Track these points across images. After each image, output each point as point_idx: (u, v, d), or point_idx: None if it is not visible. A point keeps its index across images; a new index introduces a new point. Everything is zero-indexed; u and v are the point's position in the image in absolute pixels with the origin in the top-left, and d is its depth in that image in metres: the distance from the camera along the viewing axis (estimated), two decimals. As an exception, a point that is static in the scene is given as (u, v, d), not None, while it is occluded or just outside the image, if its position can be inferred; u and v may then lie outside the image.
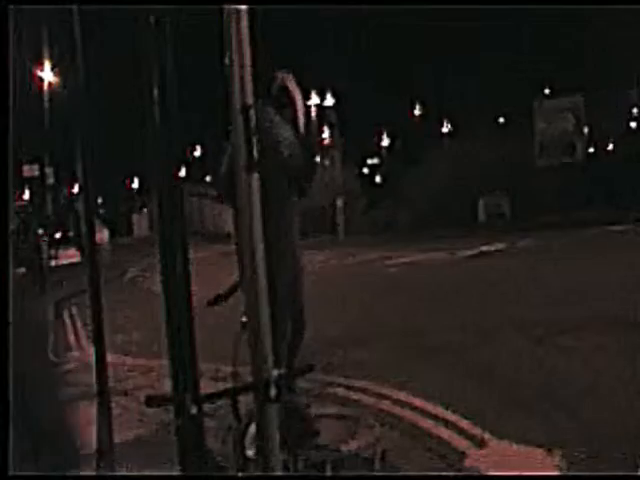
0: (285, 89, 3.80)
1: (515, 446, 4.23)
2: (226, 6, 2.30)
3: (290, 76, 3.84)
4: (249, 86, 2.35)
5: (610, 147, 32.28)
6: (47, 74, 21.97)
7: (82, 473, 3.35)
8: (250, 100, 2.36)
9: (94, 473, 3.43)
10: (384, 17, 33.70)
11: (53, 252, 16.73)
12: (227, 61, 2.33)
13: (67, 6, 5.92)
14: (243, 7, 2.31)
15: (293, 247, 3.68)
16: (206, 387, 2.28)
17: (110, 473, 3.63)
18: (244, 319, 2.56)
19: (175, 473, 2.21)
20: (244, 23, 2.33)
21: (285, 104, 3.71)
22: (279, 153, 3.60)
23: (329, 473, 3.37)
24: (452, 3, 31.24)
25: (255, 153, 2.38)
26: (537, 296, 9.46)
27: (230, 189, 3.35)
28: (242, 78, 2.34)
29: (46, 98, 21.89)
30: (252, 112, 2.35)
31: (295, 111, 3.76)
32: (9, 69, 3.07)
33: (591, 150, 27.50)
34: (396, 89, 40.64)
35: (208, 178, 49.21)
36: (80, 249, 20.74)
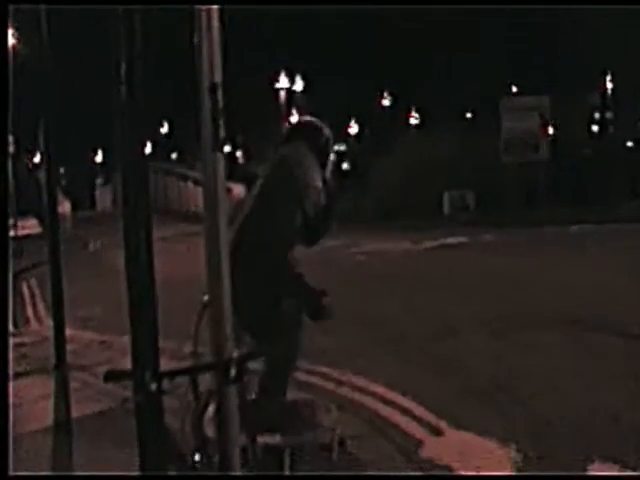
0: (328, 143, 3.94)
1: (471, 436, 4.28)
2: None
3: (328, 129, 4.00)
4: (218, 64, 2.33)
5: (573, 147, 32.77)
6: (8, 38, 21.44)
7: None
8: (218, 78, 2.33)
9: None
10: (358, 5, 33.59)
11: (12, 221, 16.40)
12: (196, 40, 2.30)
13: (66, 6, 5.80)
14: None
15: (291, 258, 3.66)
16: (166, 365, 2.25)
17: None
18: (206, 298, 2.54)
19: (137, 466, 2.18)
20: (214, 6, 2.31)
21: (324, 156, 3.80)
22: (306, 192, 3.67)
23: (287, 458, 3.37)
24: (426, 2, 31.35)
25: (221, 132, 2.36)
26: (497, 290, 9.56)
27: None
28: (211, 57, 2.32)
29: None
30: (220, 92, 2.33)
31: (327, 162, 3.87)
32: (9, 69, 2.99)
33: (555, 149, 27.82)
34: (366, 78, 40.61)
35: (174, 155, 48.74)
36: (40, 220, 20.41)
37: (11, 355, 6.63)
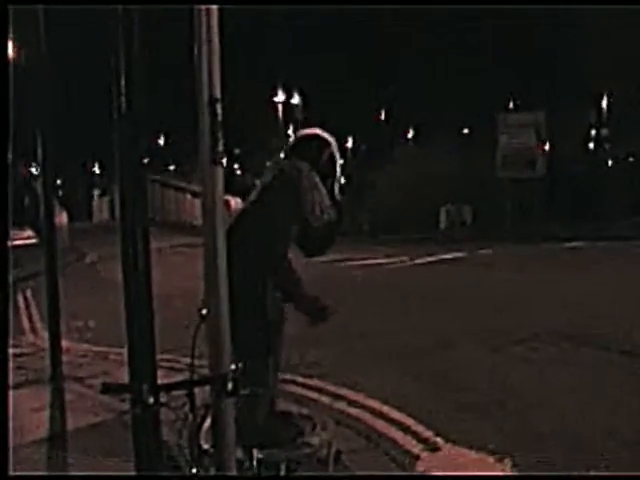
0: (332, 158, 3.77)
1: (467, 451, 4.27)
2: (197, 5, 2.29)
3: (334, 141, 3.84)
4: (217, 79, 2.34)
5: (569, 164, 32.90)
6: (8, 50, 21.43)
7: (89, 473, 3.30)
8: (217, 93, 2.34)
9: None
10: (353, 20, 33.77)
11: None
12: (195, 53, 2.31)
13: (66, 6, 5.83)
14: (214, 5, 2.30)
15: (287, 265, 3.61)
16: (162, 378, 2.25)
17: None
18: (203, 311, 2.53)
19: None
20: (214, 18, 2.32)
21: (328, 170, 3.70)
22: (309, 211, 3.55)
23: (283, 472, 3.36)
24: (424, 10, 31.53)
25: (220, 146, 2.37)
26: (494, 305, 9.57)
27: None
28: (210, 71, 2.33)
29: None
30: (219, 105, 2.34)
31: (334, 179, 3.76)
32: (9, 68, 3.00)
33: (551, 165, 27.92)
34: (362, 92, 40.76)
35: (171, 167, 48.75)
36: (37, 231, 20.36)
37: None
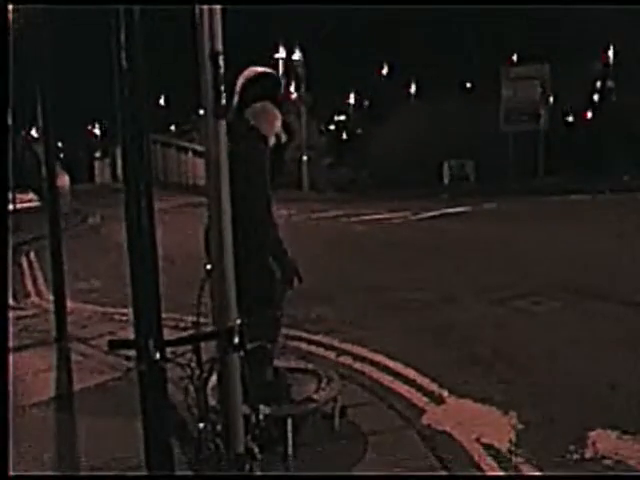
0: (279, 85, 3.96)
1: (472, 404, 4.30)
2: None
3: (276, 74, 4.05)
4: (218, 32, 2.30)
5: (574, 116, 32.62)
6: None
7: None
8: (219, 46, 2.31)
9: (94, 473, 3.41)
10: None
11: (10, 195, 16.34)
12: (197, 7, 2.28)
13: (66, 6, 5.72)
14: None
15: (270, 210, 3.69)
16: (167, 336, 2.26)
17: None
18: (208, 267, 2.52)
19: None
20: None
21: (276, 99, 3.82)
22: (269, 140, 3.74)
23: (289, 427, 3.39)
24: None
25: (222, 99, 2.34)
26: (497, 259, 9.59)
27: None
28: (211, 24, 2.29)
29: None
30: (221, 58, 2.30)
31: (279, 101, 3.90)
32: (9, 68, 2.94)
33: (556, 119, 27.70)
34: (364, 48, 40.31)
35: (172, 127, 48.51)
36: (39, 194, 20.35)
37: (12, 328, 6.66)
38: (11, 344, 5.90)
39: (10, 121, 18.59)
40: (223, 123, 2.36)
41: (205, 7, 2.29)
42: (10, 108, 18.65)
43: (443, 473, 3.40)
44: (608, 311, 6.45)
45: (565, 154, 26.90)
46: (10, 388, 3.01)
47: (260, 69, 3.88)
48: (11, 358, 5.45)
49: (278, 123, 3.79)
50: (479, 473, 3.47)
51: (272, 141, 3.77)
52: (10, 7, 21.37)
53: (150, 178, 2.24)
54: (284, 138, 3.90)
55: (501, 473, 3.46)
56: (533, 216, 15.81)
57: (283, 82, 4.11)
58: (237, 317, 2.42)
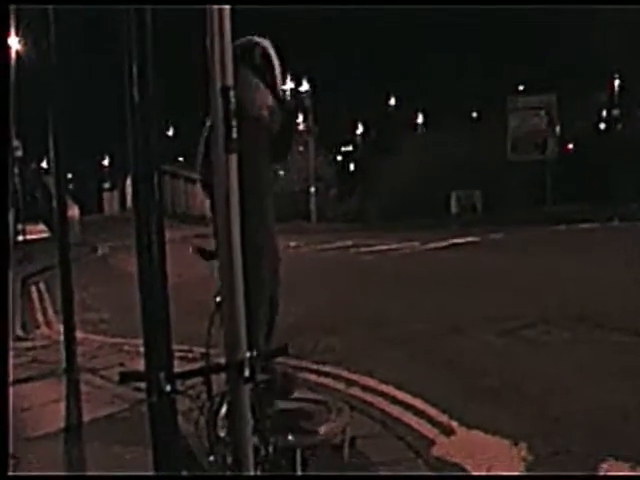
0: (267, 56, 3.83)
1: (482, 435, 4.27)
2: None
3: (269, 43, 3.89)
4: (229, 67, 2.33)
5: (580, 146, 32.70)
6: (14, 41, 21.31)
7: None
8: (230, 81, 2.34)
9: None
10: (364, 8, 33.68)
11: (20, 227, 16.44)
12: (207, 42, 2.31)
13: (67, 6, 5.84)
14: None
15: (271, 221, 3.66)
16: (176, 367, 2.27)
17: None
18: (218, 299, 2.54)
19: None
20: (226, 7, 2.32)
21: (266, 70, 3.73)
22: (260, 116, 3.61)
23: (299, 458, 3.38)
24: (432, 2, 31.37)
25: (234, 134, 2.36)
26: (505, 288, 9.55)
27: (207, 172, 3.32)
28: (222, 59, 2.32)
29: (13, 67, 21.35)
30: (232, 93, 2.33)
31: (274, 77, 3.79)
32: (9, 68, 2.99)
33: (562, 148, 27.77)
34: (371, 79, 40.70)
35: (181, 158, 48.84)
36: (49, 225, 20.45)
37: (21, 359, 6.67)
38: (21, 375, 5.93)
39: (21, 152, 18.82)
40: (234, 157, 2.38)
41: (217, 41, 2.32)
42: (20, 139, 18.90)
43: (443, 473, 3.35)
44: (618, 341, 6.41)
45: (572, 183, 26.90)
46: (12, 395, 2.99)
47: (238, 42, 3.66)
48: (20, 389, 5.49)
49: (261, 95, 3.61)
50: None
51: (265, 115, 3.58)
52: (18, 44, 21.55)
53: (161, 210, 2.27)
54: (276, 116, 3.70)
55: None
56: (541, 245, 15.77)
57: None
58: (247, 350, 2.42)
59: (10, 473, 2.60)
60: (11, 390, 5.34)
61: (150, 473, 2.20)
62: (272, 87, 3.79)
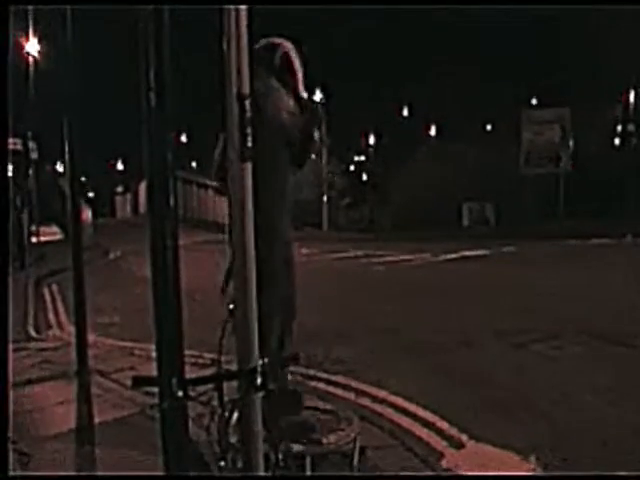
0: (287, 57, 3.73)
1: (492, 449, 4.25)
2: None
3: (291, 45, 3.78)
4: (246, 74, 2.34)
5: (594, 160, 32.58)
6: (32, 47, 21.49)
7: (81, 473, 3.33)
8: (246, 89, 2.34)
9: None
10: (375, 17, 33.78)
11: (34, 228, 16.54)
12: (224, 49, 2.31)
13: (66, 6, 5.87)
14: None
15: (286, 223, 3.61)
16: (186, 373, 2.27)
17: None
18: (231, 306, 2.54)
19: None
20: (243, 13, 2.32)
21: (286, 73, 3.65)
22: (280, 120, 3.53)
23: (309, 466, 3.37)
24: (445, 7, 31.44)
25: (249, 142, 2.37)
26: (517, 302, 9.52)
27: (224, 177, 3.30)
28: (239, 66, 2.33)
29: (31, 71, 21.53)
30: (248, 101, 2.34)
31: (296, 80, 3.71)
32: (8, 68, 3.02)
33: (576, 162, 27.66)
34: (384, 89, 40.75)
35: (194, 164, 49.04)
36: (63, 227, 20.56)
37: (33, 360, 6.70)
38: (33, 376, 5.96)
39: (36, 155, 18.94)
40: (248, 166, 2.39)
41: (233, 48, 2.33)
42: (36, 142, 19.05)
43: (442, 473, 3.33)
44: (631, 356, 6.37)
45: (586, 197, 26.79)
46: (25, 395, 3.00)
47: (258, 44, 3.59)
48: (32, 390, 5.51)
49: (281, 99, 3.49)
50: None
51: (284, 116, 3.48)
52: (37, 46, 21.68)
53: (176, 216, 2.28)
54: (296, 121, 3.60)
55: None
56: (553, 260, 15.72)
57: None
58: (259, 357, 2.43)
59: (11, 473, 2.60)
60: (24, 390, 5.39)
61: (159, 473, 2.20)
62: (293, 90, 3.72)
